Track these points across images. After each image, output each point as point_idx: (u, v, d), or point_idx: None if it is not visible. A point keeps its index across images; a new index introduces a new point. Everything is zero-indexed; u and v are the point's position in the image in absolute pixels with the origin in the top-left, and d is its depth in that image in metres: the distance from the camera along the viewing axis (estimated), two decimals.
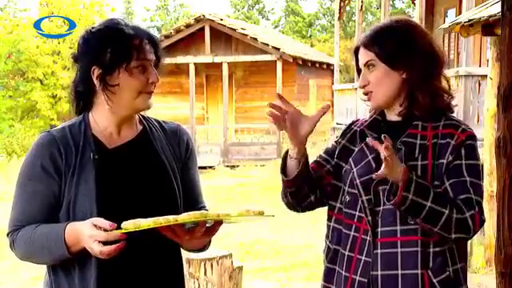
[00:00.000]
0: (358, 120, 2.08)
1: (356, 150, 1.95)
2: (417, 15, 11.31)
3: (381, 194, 1.85)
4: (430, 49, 1.91)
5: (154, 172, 1.86)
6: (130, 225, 1.63)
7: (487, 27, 6.30)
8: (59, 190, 1.78)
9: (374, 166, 1.87)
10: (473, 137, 1.87)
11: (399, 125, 1.91)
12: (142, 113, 1.94)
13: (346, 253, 1.91)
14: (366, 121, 2.02)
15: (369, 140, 1.79)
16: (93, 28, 1.84)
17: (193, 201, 1.97)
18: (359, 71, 1.96)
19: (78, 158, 1.79)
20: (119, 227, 1.64)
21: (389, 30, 1.91)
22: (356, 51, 1.96)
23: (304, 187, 1.96)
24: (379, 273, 1.84)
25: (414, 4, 11.88)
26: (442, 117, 1.89)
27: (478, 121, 8.77)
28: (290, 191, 1.96)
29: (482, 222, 1.82)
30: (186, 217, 1.66)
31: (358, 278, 1.87)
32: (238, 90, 19.59)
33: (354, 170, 1.91)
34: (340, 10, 14.83)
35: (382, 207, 1.86)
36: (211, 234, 1.79)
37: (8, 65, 21.68)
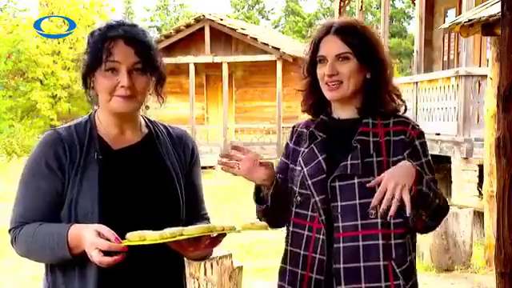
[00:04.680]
0: (299, 123, 2.11)
1: (305, 150, 1.98)
2: (417, 15, 11.32)
3: (337, 189, 1.88)
4: (385, 54, 1.99)
5: (157, 176, 1.86)
6: (135, 237, 1.62)
7: (487, 27, 6.30)
8: (62, 188, 1.78)
9: (324, 166, 1.90)
10: (423, 134, 1.95)
11: (348, 123, 1.95)
12: (147, 116, 1.96)
13: (302, 252, 1.93)
14: (311, 121, 2.05)
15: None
16: (94, 29, 1.87)
17: (195, 207, 1.97)
18: (314, 58, 1.96)
19: (82, 157, 1.79)
20: (123, 235, 1.64)
21: (363, 28, 1.96)
22: (319, 41, 1.95)
23: (279, 210, 1.97)
24: (341, 266, 1.86)
25: (414, 4, 11.89)
26: (390, 115, 1.95)
27: (477, 121, 8.78)
28: (265, 217, 1.98)
29: (447, 212, 1.91)
30: (192, 230, 1.67)
31: (314, 275, 1.90)
32: (237, 89, 19.60)
33: (305, 169, 1.94)
34: (340, 10, 14.82)
35: (339, 203, 1.88)
36: (215, 244, 1.79)
37: (8, 65, 21.68)
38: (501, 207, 2.49)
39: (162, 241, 1.63)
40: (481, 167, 7.67)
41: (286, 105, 18.63)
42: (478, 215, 7.16)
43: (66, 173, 1.78)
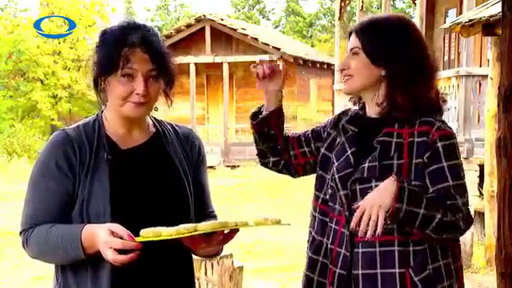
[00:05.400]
0: (349, 109, 2.08)
1: (338, 143, 1.98)
2: (417, 15, 11.31)
3: (358, 193, 1.86)
4: (420, 55, 1.90)
5: (166, 174, 1.87)
6: (149, 233, 1.63)
7: (488, 27, 6.30)
8: (73, 189, 1.77)
9: (352, 160, 1.89)
10: (449, 135, 1.84)
11: (376, 122, 1.93)
12: (154, 115, 1.96)
13: (329, 245, 1.93)
14: (355, 112, 2.04)
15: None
16: (106, 28, 1.86)
17: (202, 205, 1.97)
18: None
19: (92, 158, 1.79)
20: (136, 234, 1.64)
21: (383, 25, 1.93)
22: (350, 35, 1.99)
23: (269, 132, 2.05)
24: (360, 272, 1.85)
25: (415, 4, 11.88)
26: (418, 116, 1.87)
27: (478, 121, 8.77)
28: (258, 133, 2.06)
29: (470, 222, 1.83)
30: (205, 226, 1.67)
31: (338, 270, 1.89)
32: (238, 89, 19.59)
33: (336, 163, 1.94)
34: (341, 10, 14.82)
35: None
36: (227, 240, 1.79)
37: (8, 65, 21.71)
38: (501, 207, 2.49)
39: (177, 236, 1.63)
40: (481, 167, 7.67)
41: (286, 105, 18.56)
42: (479, 215, 7.16)
43: (76, 173, 1.78)
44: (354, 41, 1.93)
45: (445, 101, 1.95)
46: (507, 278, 2.49)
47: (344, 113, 2.07)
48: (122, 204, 1.77)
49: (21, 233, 1.83)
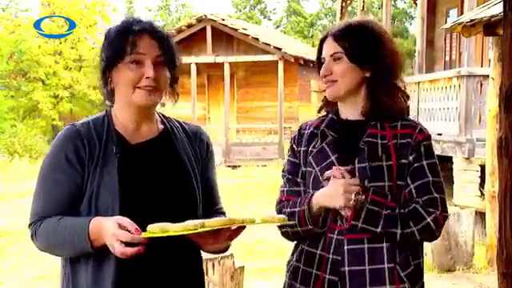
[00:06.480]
0: (305, 124, 2.09)
1: (313, 150, 1.97)
2: (419, 15, 11.32)
3: None
4: (394, 52, 1.96)
5: (174, 170, 1.88)
6: (156, 229, 1.63)
7: (489, 27, 6.30)
8: (82, 182, 1.79)
9: (337, 166, 1.89)
10: (428, 137, 1.95)
11: (356, 124, 1.95)
12: (163, 113, 1.98)
13: (318, 252, 1.93)
14: (320, 121, 2.03)
15: (326, 174, 1.86)
16: (110, 27, 1.90)
17: (210, 202, 1.99)
18: (319, 59, 2.00)
19: (101, 152, 1.81)
20: (144, 228, 1.65)
21: (360, 28, 1.95)
22: (323, 41, 2.00)
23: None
24: (346, 269, 1.87)
25: (416, 4, 11.88)
26: (398, 117, 1.94)
27: (479, 121, 8.77)
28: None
29: (445, 218, 1.90)
30: (213, 222, 1.68)
31: (327, 276, 1.90)
32: (239, 90, 19.60)
33: (317, 169, 1.94)
34: (342, 10, 14.82)
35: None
36: (234, 237, 1.80)
37: (10, 65, 21.72)
38: (503, 207, 2.49)
39: (184, 232, 1.64)
40: (482, 167, 7.66)
41: (287, 105, 18.62)
42: (480, 215, 7.16)
43: (85, 167, 1.80)
44: (332, 46, 1.95)
45: (408, 97, 2.02)
46: (508, 278, 2.49)
47: (302, 128, 2.07)
48: (130, 198, 1.78)
49: (29, 225, 1.85)
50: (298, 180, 2.01)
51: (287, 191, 2.02)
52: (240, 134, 18.75)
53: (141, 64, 1.79)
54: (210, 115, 20.10)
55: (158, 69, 1.80)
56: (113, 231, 1.65)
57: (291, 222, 1.85)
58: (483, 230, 6.93)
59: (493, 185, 6.17)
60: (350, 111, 1.98)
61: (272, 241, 7.56)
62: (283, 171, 2.06)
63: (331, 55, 1.94)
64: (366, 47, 1.92)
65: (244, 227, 1.76)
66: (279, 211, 1.98)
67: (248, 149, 17.88)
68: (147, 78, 1.79)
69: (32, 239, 1.86)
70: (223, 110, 18.34)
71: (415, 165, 1.88)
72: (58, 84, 22.90)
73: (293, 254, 2.03)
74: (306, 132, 2.04)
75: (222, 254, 4.22)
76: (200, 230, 1.65)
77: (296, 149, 2.03)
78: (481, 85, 8.73)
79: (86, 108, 23.70)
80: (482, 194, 7.02)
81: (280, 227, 1.99)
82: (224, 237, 1.76)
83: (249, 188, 12.86)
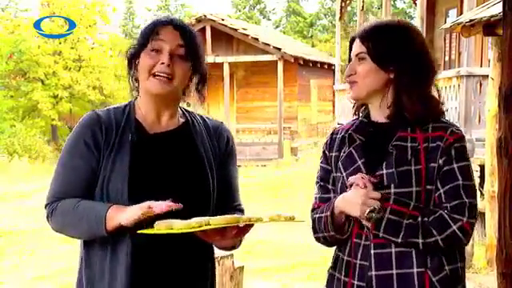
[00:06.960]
0: (338, 128, 2.07)
1: (343, 154, 1.95)
2: (418, 15, 11.31)
3: None
4: (424, 56, 1.91)
5: (189, 162, 1.91)
6: (162, 226, 1.66)
7: (488, 27, 6.31)
8: (97, 166, 1.85)
9: (364, 171, 1.87)
10: (462, 138, 1.87)
11: (386, 127, 1.91)
12: (185, 107, 2.04)
13: (345, 258, 1.92)
14: (351, 125, 2.01)
15: (350, 180, 1.84)
16: None
17: (228, 197, 2.00)
18: (350, 60, 1.98)
19: (117, 138, 1.87)
20: (151, 221, 1.69)
21: (386, 29, 1.93)
22: (352, 41, 1.98)
23: None
24: (373, 273, 1.84)
25: (416, 4, 11.88)
26: (429, 120, 1.88)
27: (479, 121, 8.77)
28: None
29: (472, 225, 1.86)
30: (218, 220, 1.69)
31: (356, 282, 1.88)
32: (239, 90, 19.60)
33: (344, 174, 1.92)
34: (341, 10, 14.82)
35: None
36: (242, 234, 1.81)
37: (9, 65, 21.70)
38: (502, 208, 2.49)
39: (188, 230, 1.66)
40: (482, 167, 7.66)
41: (287, 105, 18.62)
42: (480, 215, 7.15)
43: (100, 151, 1.86)
44: (358, 46, 1.93)
45: (439, 100, 1.95)
46: (508, 278, 2.49)
47: (334, 132, 2.05)
48: (139, 184, 1.82)
49: (46, 206, 1.90)
50: (329, 187, 1.99)
51: (319, 198, 2.01)
52: (240, 133, 18.75)
53: (160, 52, 1.85)
54: (209, 115, 20.09)
55: (176, 60, 1.86)
56: (138, 205, 1.71)
57: (299, 220, 1.82)
58: (483, 230, 6.93)
59: (492, 185, 6.18)
60: (378, 114, 1.94)
61: (272, 241, 7.57)
62: (316, 178, 2.04)
63: (356, 55, 1.92)
64: (390, 48, 1.88)
65: (252, 225, 1.77)
66: (313, 218, 1.98)
67: (248, 149, 17.88)
68: (162, 63, 1.83)
69: (47, 219, 1.92)
70: (223, 110, 18.34)
71: (445, 168, 1.83)
72: (57, 84, 22.87)
73: (332, 261, 2.02)
74: (337, 137, 2.01)
75: (221, 254, 4.23)
76: (204, 228, 1.67)
77: (328, 154, 2.01)
78: (480, 85, 8.73)
79: (85, 108, 23.65)
80: (482, 194, 7.02)
81: (313, 233, 1.99)
82: (230, 234, 1.77)
83: (249, 188, 12.85)
